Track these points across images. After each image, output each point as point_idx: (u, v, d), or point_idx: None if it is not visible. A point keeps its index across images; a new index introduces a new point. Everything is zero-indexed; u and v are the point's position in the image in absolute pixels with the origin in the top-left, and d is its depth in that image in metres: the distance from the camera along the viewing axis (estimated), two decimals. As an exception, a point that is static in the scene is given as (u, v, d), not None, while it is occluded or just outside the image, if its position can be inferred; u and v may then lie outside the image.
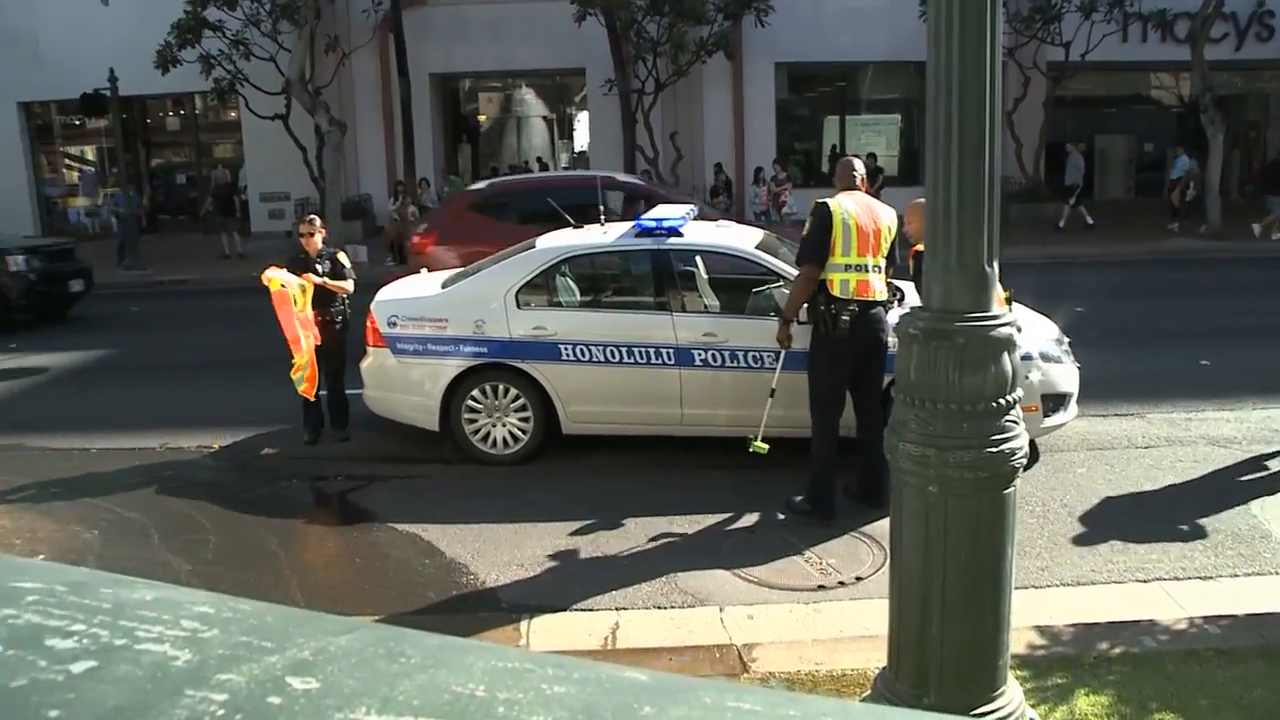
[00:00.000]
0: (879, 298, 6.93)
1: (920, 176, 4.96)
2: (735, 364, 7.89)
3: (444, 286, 8.85)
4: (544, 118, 36.57)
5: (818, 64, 27.10)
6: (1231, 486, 7.51)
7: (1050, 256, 19.42)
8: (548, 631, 5.64)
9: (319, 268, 8.78)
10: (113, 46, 24.01)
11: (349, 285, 8.95)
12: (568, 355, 8.09)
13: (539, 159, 32.87)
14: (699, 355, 7.94)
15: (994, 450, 3.67)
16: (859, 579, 6.13)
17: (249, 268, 15.59)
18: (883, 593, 4.66)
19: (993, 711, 3.81)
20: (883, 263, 6.98)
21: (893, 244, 7.10)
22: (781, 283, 7.92)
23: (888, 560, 4.62)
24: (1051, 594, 5.86)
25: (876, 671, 4.45)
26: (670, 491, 7.65)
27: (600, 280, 8.95)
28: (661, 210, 8.92)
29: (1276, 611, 5.51)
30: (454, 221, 13.49)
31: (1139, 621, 5.45)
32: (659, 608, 5.87)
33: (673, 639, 5.52)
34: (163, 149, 31.68)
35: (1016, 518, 3.86)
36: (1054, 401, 7.81)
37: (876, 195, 8.03)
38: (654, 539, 6.84)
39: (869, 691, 4.47)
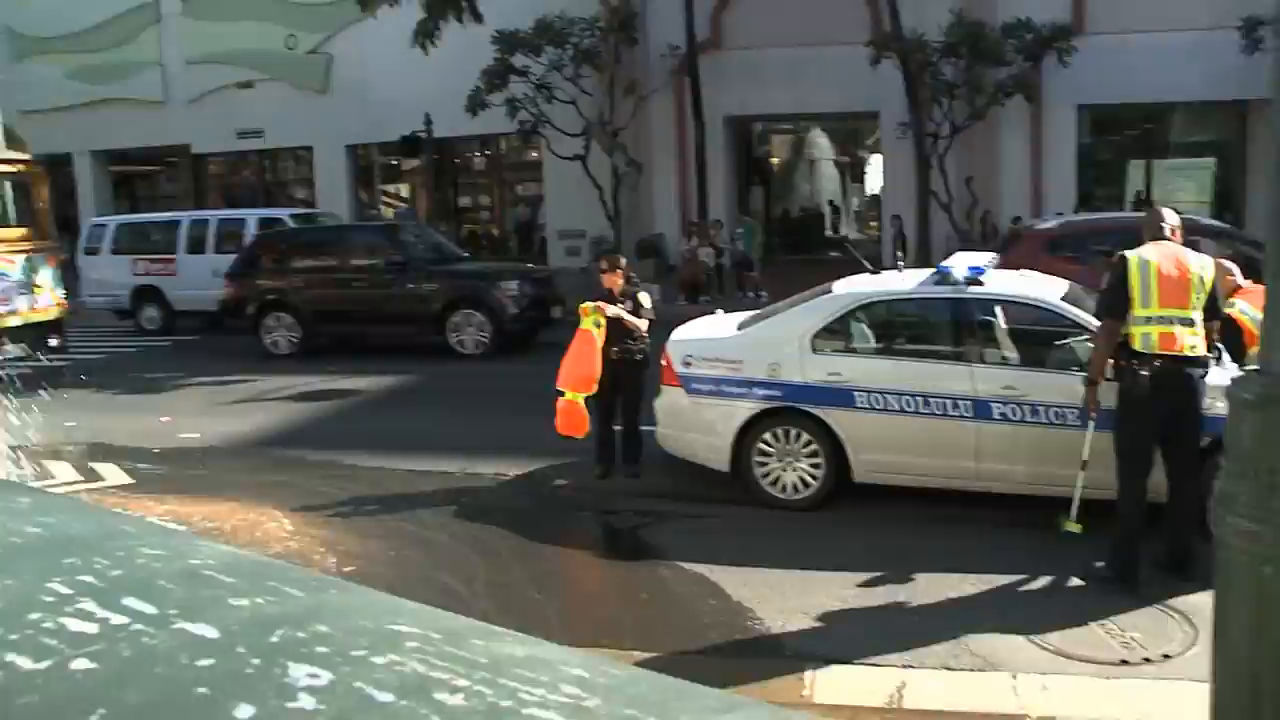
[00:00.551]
0: (1190, 353, 6.50)
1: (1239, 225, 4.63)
2: (1036, 419, 7.59)
3: (740, 328, 8.94)
4: (835, 161, 36.47)
5: (1123, 105, 25.84)
6: None
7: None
8: (832, 684, 5.55)
9: (621, 306, 9.00)
10: (429, 93, 25.72)
11: (643, 324, 9.10)
12: (862, 402, 8.00)
13: (830, 202, 32.80)
14: (997, 409, 7.68)
15: (1344, 532, 3.36)
16: (1167, 657, 5.72)
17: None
18: (1195, 675, 4.35)
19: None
20: (1196, 316, 6.54)
21: (1212, 295, 6.66)
22: (1086, 336, 7.57)
23: (1201, 640, 4.30)
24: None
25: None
26: (963, 547, 7.39)
27: (897, 327, 8.82)
28: (962, 257, 8.72)
29: None
30: (1029, 261, 13.14)
31: None
32: (948, 669, 5.68)
33: (961, 703, 5.32)
34: (470, 187, 33.53)
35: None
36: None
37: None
38: (945, 596, 6.63)
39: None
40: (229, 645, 0.84)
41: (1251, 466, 3.49)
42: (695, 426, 8.60)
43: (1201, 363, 6.58)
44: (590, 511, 8.71)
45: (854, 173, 36.84)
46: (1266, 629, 3.43)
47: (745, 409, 8.30)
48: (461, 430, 11.56)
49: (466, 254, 21.49)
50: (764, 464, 8.34)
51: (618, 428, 9.19)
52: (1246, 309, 7.28)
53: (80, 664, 0.80)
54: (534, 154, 29.34)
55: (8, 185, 15.65)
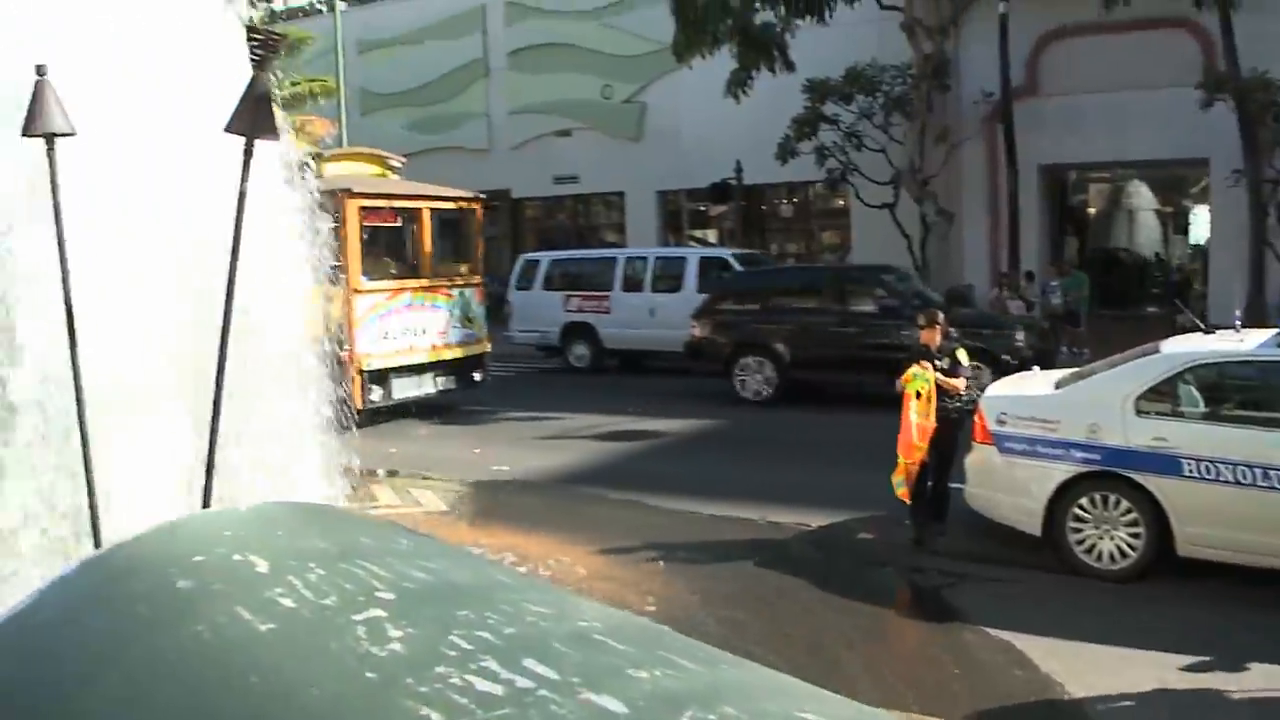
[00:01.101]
0: None
1: None
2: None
3: (1057, 386, 8.60)
4: (1156, 210, 34.49)
5: None
6: None
7: None
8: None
9: (938, 363, 8.72)
10: (739, 140, 26.20)
11: (960, 384, 8.79)
12: (1189, 471, 7.50)
13: (1157, 254, 31.12)
14: (1348, 486, 7.05)
15: None
16: None
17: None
18: None
19: None
20: None
21: None
22: None
23: None
24: None
25: None
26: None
27: (1233, 391, 8.21)
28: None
29: None
30: None
31: None
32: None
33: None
34: (776, 234, 33.78)
35: None
36: None
37: None
38: (1281, 689, 6.13)
39: None
40: None
41: None
42: (1006, 487, 8.33)
43: None
44: (894, 568, 8.57)
45: (1176, 224, 34.73)
46: None
47: (1061, 471, 7.96)
48: (768, 476, 11.61)
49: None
50: (1078, 530, 7.96)
51: (928, 483, 8.98)
52: None
53: None
54: (841, 202, 29.29)
55: (437, 220, 16.48)
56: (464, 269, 16.89)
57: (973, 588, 7.99)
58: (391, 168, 17.24)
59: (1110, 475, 7.82)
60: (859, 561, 8.79)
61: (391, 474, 11.95)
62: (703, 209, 32.54)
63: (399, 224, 16.42)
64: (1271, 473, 7.24)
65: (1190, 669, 6.38)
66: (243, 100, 3.47)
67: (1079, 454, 7.89)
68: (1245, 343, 7.97)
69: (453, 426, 15.33)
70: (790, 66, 23.15)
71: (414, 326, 15.39)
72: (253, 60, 3.48)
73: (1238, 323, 8.37)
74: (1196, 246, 30.67)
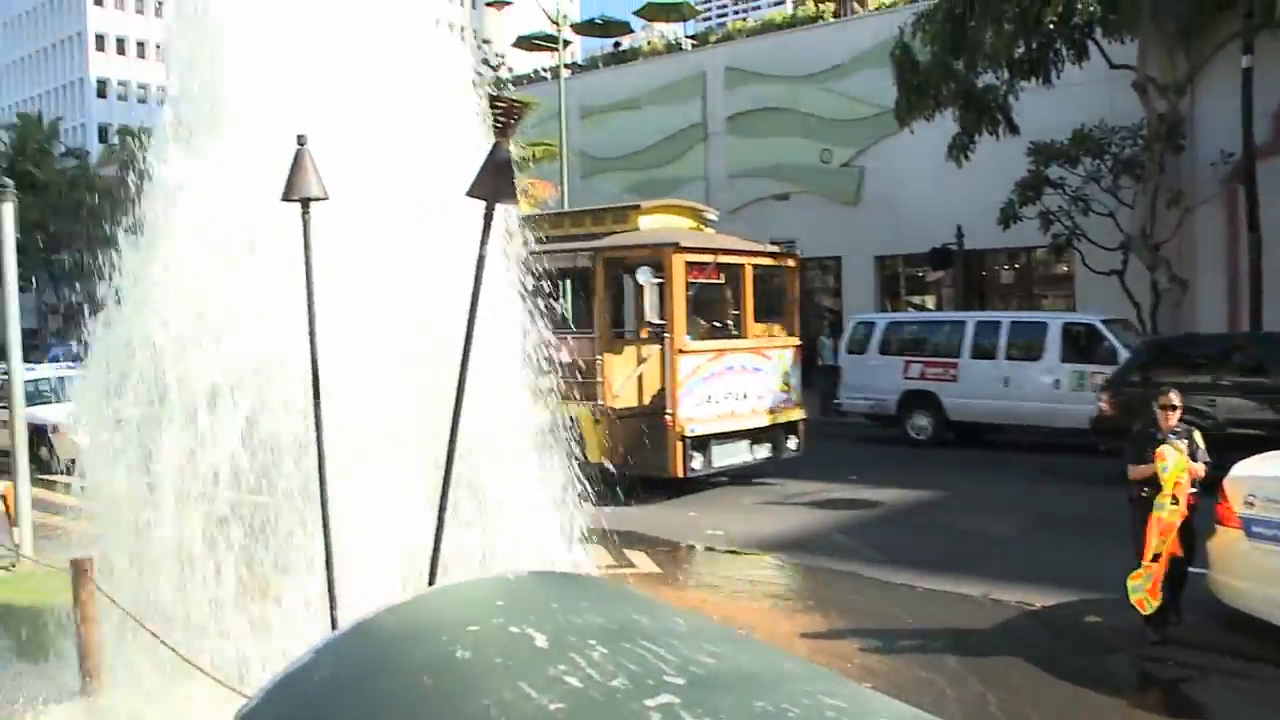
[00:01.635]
0: None
1: None
2: None
3: (1310, 468, 8.01)
4: None
5: None
6: None
7: None
8: None
9: (1178, 444, 8.04)
10: (958, 205, 25.72)
11: (1200, 469, 8.07)
12: None
13: None
14: None
15: None
16: None
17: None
18: None
19: None
20: None
21: None
22: None
23: None
24: None
25: None
26: None
27: None
28: None
29: None
30: None
31: None
32: None
33: None
34: (995, 299, 32.88)
35: None
36: None
37: None
38: None
39: None
40: None
41: None
42: (1255, 575, 7.77)
43: None
44: (1126, 655, 8.09)
45: None
46: None
47: (1317, 560, 7.38)
48: (990, 550, 11.24)
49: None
50: (1337, 626, 7.36)
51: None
52: None
53: None
54: (1065, 267, 28.29)
55: (756, 276, 15.80)
56: (779, 329, 16.23)
57: (1216, 683, 7.48)
58: (706, 221, 16.72)
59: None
60: (1087, 646, 8.34)
61: (606, 534, 12.06)
62: (920, 274, 31.98)
63: (721, 280, 15.84)
64: None
65: None
66: (484, 166, 3.59)
67: (1338, 542, 7.30)
68: None
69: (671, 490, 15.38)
70: (1014, 129, 22.61)
71: (735, 390, 14.84)
72: (495, 127, 3.59)
73: None
74: None
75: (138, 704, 6.13)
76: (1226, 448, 13.05)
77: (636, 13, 44.44)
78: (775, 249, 16.51)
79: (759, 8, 55.78)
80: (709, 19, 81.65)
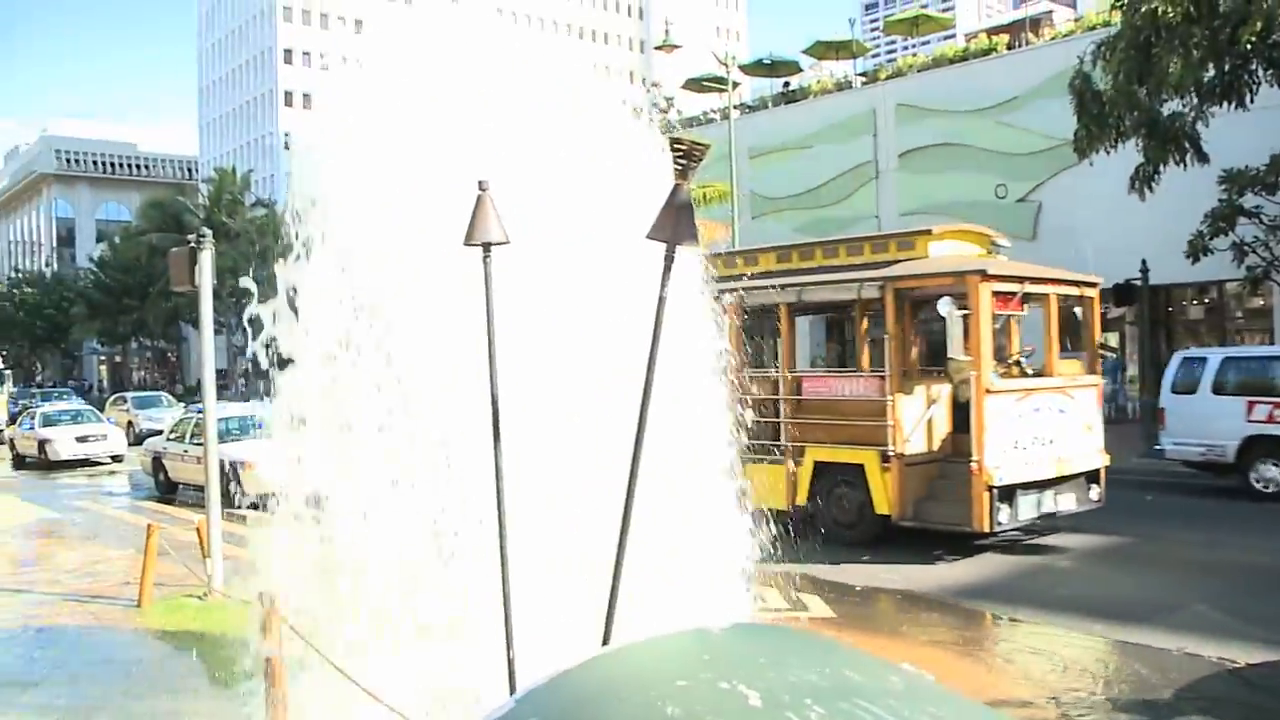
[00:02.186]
0: None
1: None
2: None
3: None
4: None
5: None
6: None
7: None
8: None
9: None
10: (1141, 238, 24.75)
11: None
12: None
13: None
14: None
15: None
16: None
17: None
18: None
19: None
20: None
21: None
22: None
23: None
24: None
25: None
26: None
27: None
28: None
29: None
30: None
31: None
32: None
33: None
34: (1183, 336, 31.51)
35: None
36: None
37: None
38: None
39: None
40: None
41: None
42: None
43: None
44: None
45: None
46: None
47: None
48: (1183, 600, 10.66)
49: None
50: None
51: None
52: None
53: None
54: (1261, 301, 26.95)
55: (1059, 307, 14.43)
56: (1081, 365, 14.89)
57: None
58: (996, 246, 15.56)
59: None
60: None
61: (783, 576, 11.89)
62: (1103, 311, 30.83)
63: (1024, 312, 14.44)
64: None
65: None
66: (665, 207, 3.57)
67: None
68: None
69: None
70: (1203, 158, 21.60)
71: (1042, 434, 13.37)
72: (675, 169, 3.57)
73: None
74: None
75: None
76: None
77: (805, 51, 44.48)
78: (1079, 276, 14.97)
79: (928, 43, 55.09)
80: (878, 55, 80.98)
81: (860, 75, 41.34)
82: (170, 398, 43.45)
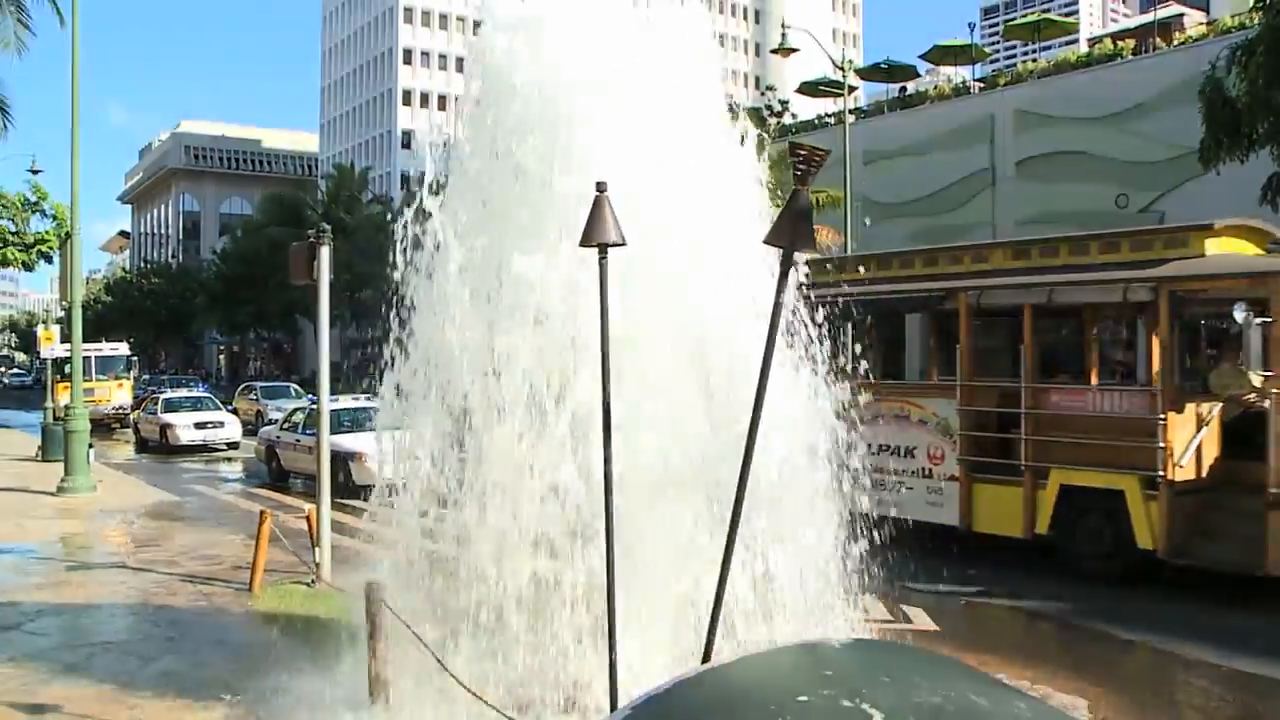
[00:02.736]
0: None
1: None
2: None
3: None
4: None
5: None
6: None
7: None
8: None
9: None
10: (1275, 250, 23.84)
11: None
12: None
13: None
14: None
15: None
16: None
17: None
18: None
19: None
20: None
21: None
22: None
23: None
24: None
25: None
26: None
27: None
28: None
29: None
30: None
31: None
32: None
33: None
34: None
35: None
36: None
37: None
38: None
39: None
40: None
41: None
42: None
43: None
44: None
45: None
46: None
47: None
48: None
49: None
50: None
51: None
52: None
53: None
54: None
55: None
56: None
57: None
58: (1276, 246, 13.91)
59: None
60: None
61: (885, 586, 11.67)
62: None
63: None
64: None
65: None
66: (784, 213, 3.55)
67: None
68: None
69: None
70: (1342, 170, 20.71)
71: None
72: (795, 174, 3.54)
73: None
74: None
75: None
76: None
77: (923, 56, 43.94)
78: None
79: (1050, 48, 53.98)
80: (997, 61, 79.58)
81: (978, 81, 40.66)
82: (298, 388, 44.32)
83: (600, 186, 4.31)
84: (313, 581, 11.28)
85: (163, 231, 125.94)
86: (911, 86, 43.56)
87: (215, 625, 10.05)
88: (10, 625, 10.17)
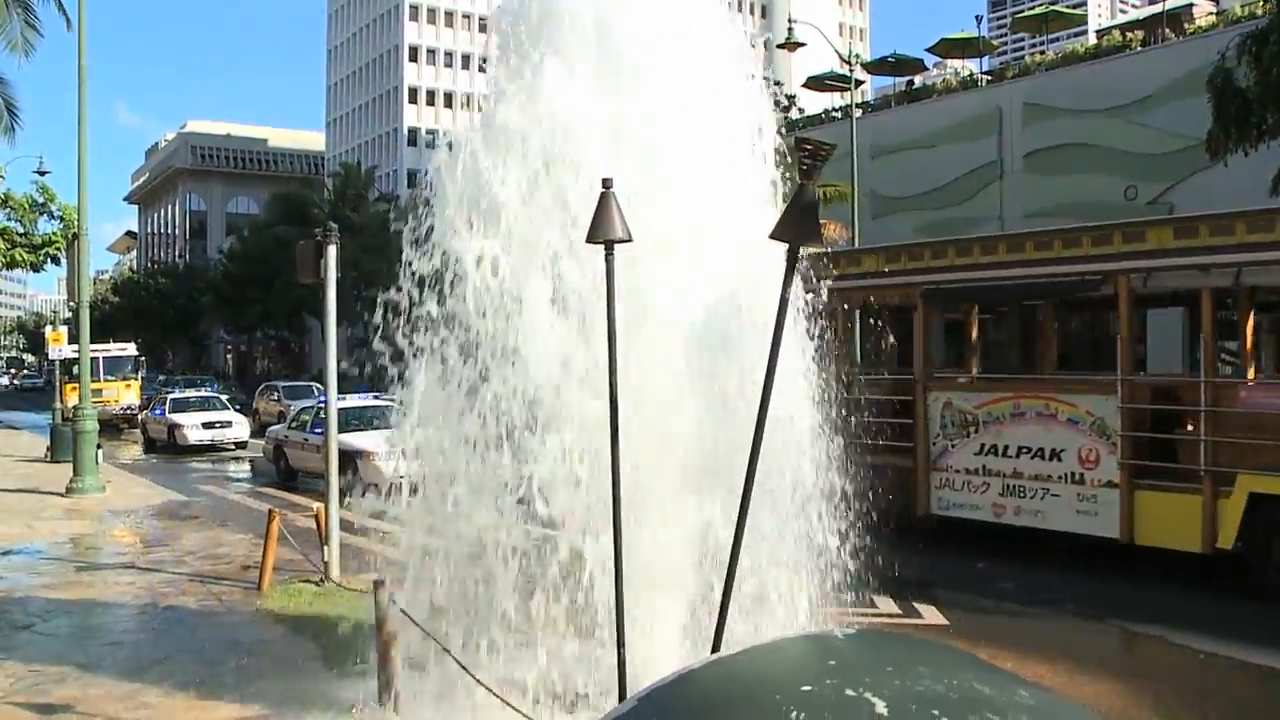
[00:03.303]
0: None
1: None
2: None
3: None
4: None
5: None
6: None
7: None
8: None
9: None
10: None
11: None
12: None
13: None
14: None
15: None
16: None
17: None
18: None
19: None
20: None
21: None
22: None
23: None
24: None
25: None
26: None
27: None
28: None
29: None
30: None
31: None
32: None
33: None
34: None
35: None
36: None
37: None
38: None
39: None
40: None
41: None
42: None
43: None
44: None
45: None
46: None
47: None
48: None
49: None
50: None
51: None
52: None
53: None
54: None
55: None
56: None
57: None
58: None
59: None
60: None
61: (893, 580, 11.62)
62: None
63: None
64: None
65: None
66: (789, 208, 3.51)
67: None
68: None
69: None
70: (1353, 160, 20.60)
71: None
72: (801, 169, 3.51)
73: None
74: None
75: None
76: None
77: (930, 49, 43.85)
78: None
79: (1058, 40, 53.90)
80: (1004, 53, 79.48)
81: (986, 74, 40.58)
82: (320, 387, 44.16)
83: (606, 184, 4.26)
84: (321, 580, 11.28)
85: (169, 231, 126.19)
86: (919, 80, 43.47)
87: (224, 624, 10.05)
88: (21, 625, 10.19)
